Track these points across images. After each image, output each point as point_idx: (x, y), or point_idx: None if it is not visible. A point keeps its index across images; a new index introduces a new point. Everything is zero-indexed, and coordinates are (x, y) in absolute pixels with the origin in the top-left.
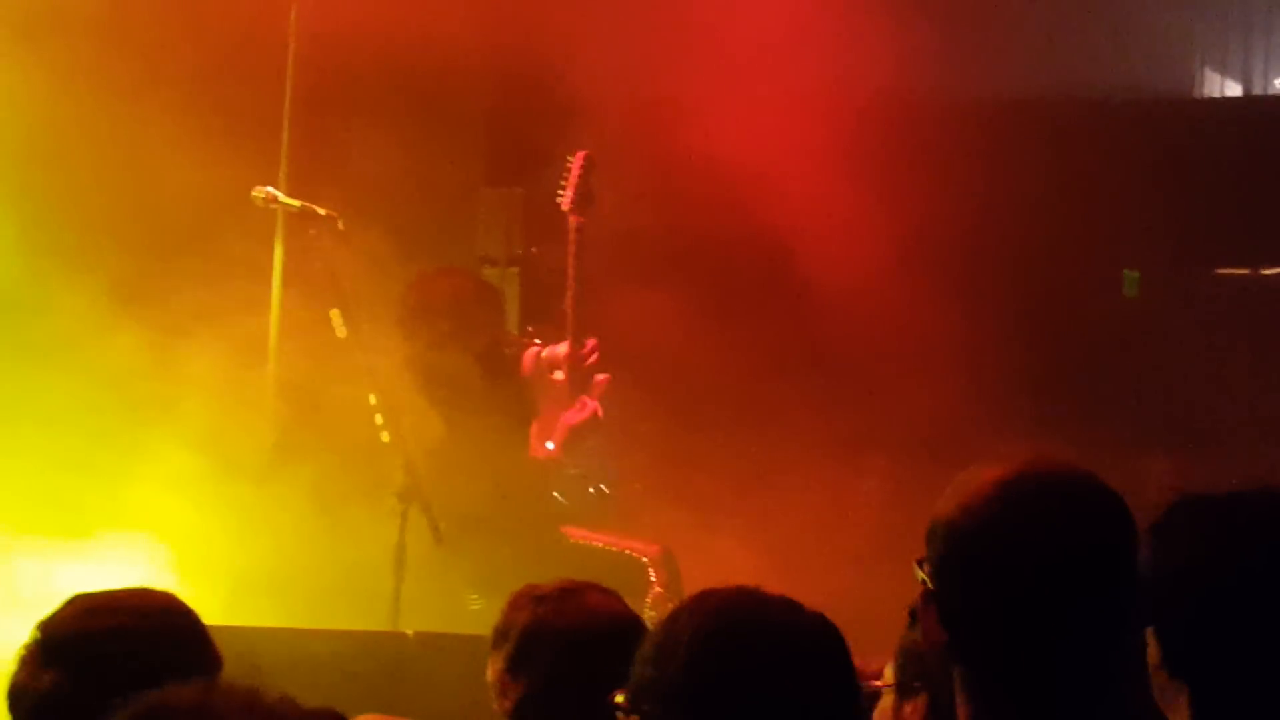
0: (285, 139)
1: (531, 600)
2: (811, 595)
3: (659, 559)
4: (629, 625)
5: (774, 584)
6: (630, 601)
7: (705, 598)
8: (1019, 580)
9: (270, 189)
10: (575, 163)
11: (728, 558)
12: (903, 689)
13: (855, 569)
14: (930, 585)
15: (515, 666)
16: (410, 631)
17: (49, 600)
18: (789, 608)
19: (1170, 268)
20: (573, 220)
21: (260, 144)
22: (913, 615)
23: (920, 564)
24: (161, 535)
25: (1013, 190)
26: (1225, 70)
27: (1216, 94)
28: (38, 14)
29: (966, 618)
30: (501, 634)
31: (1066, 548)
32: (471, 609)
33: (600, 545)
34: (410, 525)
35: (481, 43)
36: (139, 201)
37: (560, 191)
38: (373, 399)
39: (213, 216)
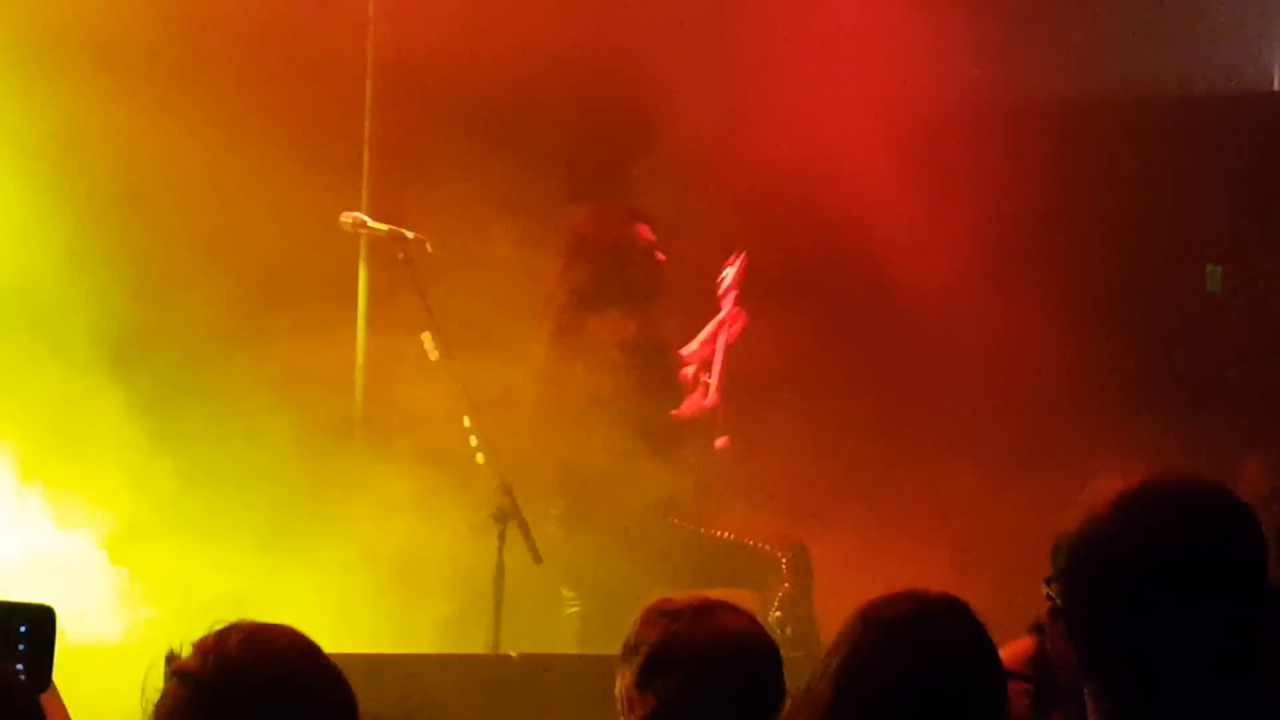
0: (366, 162)
1: (664, 616)
2: None
3: (792, 555)
4: (761, 647)
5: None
6: (760, 596)
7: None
8: (1147, 592)
9: (358, 214)
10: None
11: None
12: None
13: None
14: (1058, 601)
15: (644, 682)
16: (514, 653)
17: None
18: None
19: (1253, 262)
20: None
21: (342, 169)
22: (1036, 630)
23: (1048, 582)
24: (253, 561)
25: (1092, 189)
26: None
27: None
28: (117, 47)
29: (1095, 632)
30: (632, 648)
31: (1195, 558)
32: (568, 611)
33: (729, 538)
34: (509, 545)
35: (561, 58)
36: (226, 233)
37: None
38: (467, 421)
39: (299, 244)
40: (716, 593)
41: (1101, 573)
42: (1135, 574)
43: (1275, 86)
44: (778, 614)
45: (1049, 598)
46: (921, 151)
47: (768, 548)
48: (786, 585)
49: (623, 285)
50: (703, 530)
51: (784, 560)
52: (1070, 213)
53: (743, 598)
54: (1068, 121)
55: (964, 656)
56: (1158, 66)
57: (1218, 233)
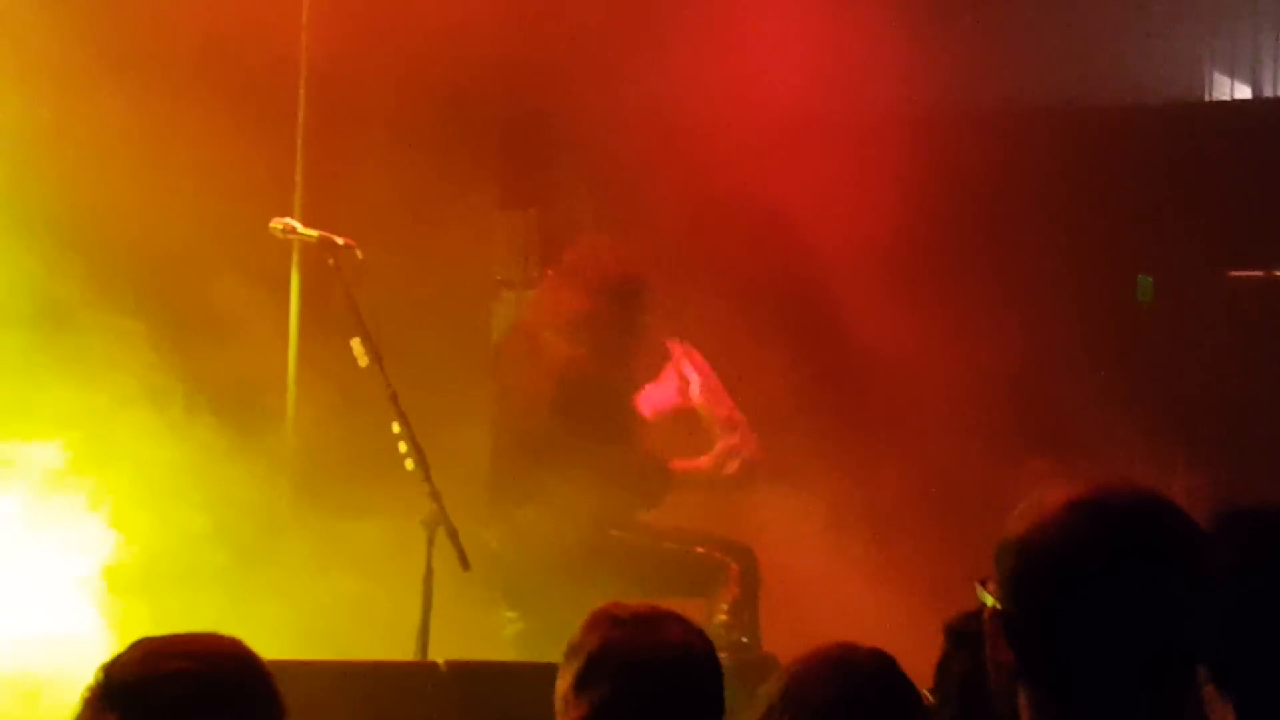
0: (299, 168)
1: (608, 621)
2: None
3: (741, 562)
4: (701, 660)
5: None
6: (706, 603)
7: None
8: (1092, 601)
9: (288, 220)
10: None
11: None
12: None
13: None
14: (998, 605)
15: (581, 685)
16: (441, 661)
17: None
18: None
19: (1183, 272)
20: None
21: (273, 174)
22: (951, 635)
23: (984, 583)
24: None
25: (1024, 197)
26: (1235, 73)
27: (1226, 97)
28: (46, 51)
29: (1036, 638)
30: (574, 650)
31: (1142, 570)
32: (510, 631)
33: (675, 548)
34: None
35: (493, 66)
36: (153, 234)
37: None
38: (396, 427)
39: (227, 249)
40: (665, 603)
41: (1048, 580)
42: (1082, 583)
43: (1205, 96)
44: (724, 619)
45: (987, 601)
46: (853, 165)
47: (717, 555)
48: (736, 591)
49: (620, 324)
50: (647, 541)
51: (734, 567)
52: (1001, 221)
53: (690, 608)
54: (999, 131)
55: None
56: (1090, 76)
57: (1149, 242)
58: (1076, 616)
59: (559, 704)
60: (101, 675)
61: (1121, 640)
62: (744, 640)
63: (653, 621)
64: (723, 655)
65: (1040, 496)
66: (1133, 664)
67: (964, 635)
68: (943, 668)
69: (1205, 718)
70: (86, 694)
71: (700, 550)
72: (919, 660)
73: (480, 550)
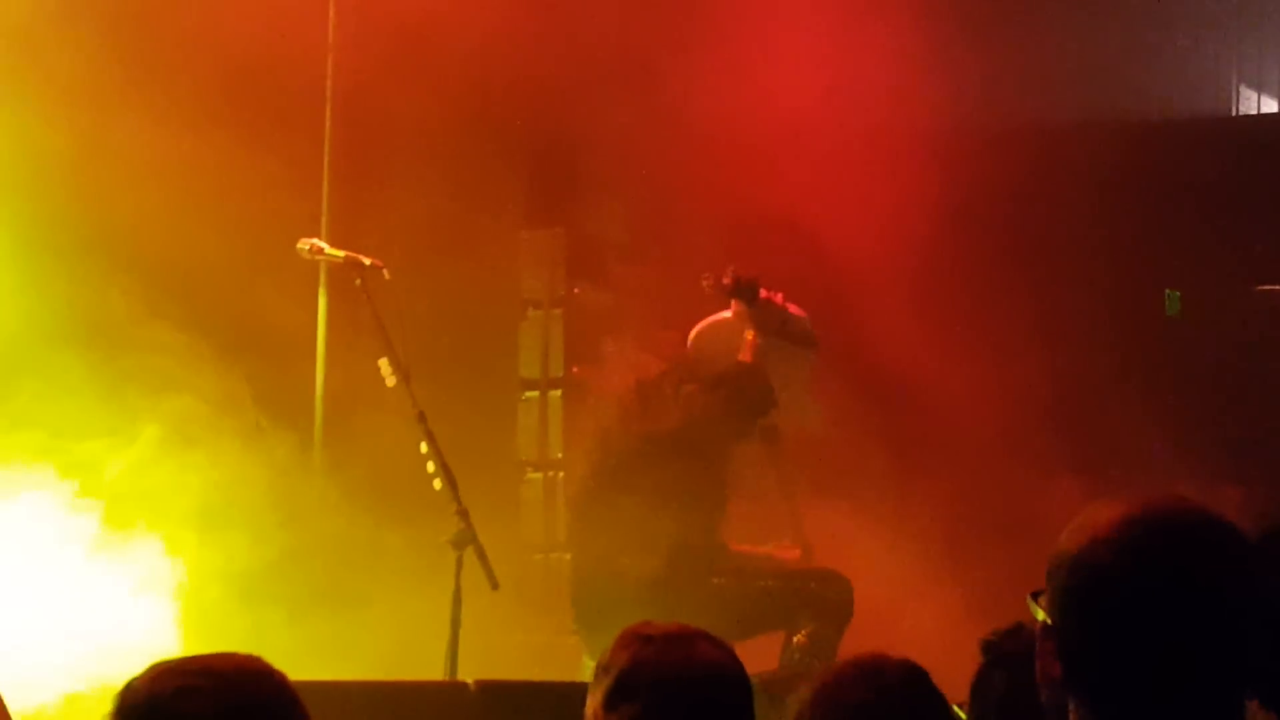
0: (325, 190)
1: (638, 640)
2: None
3: (837, 592)
4: (731, 678)
5: None
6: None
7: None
8: (1145, 620)
9: (316, 241)
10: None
11: None
12: None
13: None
14: (1049, 619)
15: (610, 704)
16: (471, 680)
17: None
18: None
19: (1211, 286)
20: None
21: (301, 196)
22: (988, 651)
23: (1035, 597)
24: (210, 587)
25: (1052, 213)
26: (1262, 87)
27: (1253, 111)
28: (80, 77)
29: (1087, 653)
30: (604, 668)
31: (1196, 590)
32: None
33: (774, 585)
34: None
35: (518, 86)
36: (183, 257)
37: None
38: (423, 447)
39: (256, 270)
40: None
41: (1101, 597)
42: (1135, 601)
43: (1232, 111)
44: (803, 640)
45: (1038, 615)
46: (885, 177)
47: (813, 586)
48: (826, 620)
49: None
50: (746, 583)
51: (831, 600)
52: (1032, 236)
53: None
54: (1027, 147)
55: None
56: (1117, 92)
57: (1176, 256)
58: (1130, 631)
59: None
60: (118, 700)
61: (1174, 655)
62: (817, 664)
63: (683, 640)
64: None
65: (1094, 511)
66: (1184, 679)
67: (1001, 652)
68: (979, 684)
69: None
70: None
71: (798, 586)
72: (957, 676)
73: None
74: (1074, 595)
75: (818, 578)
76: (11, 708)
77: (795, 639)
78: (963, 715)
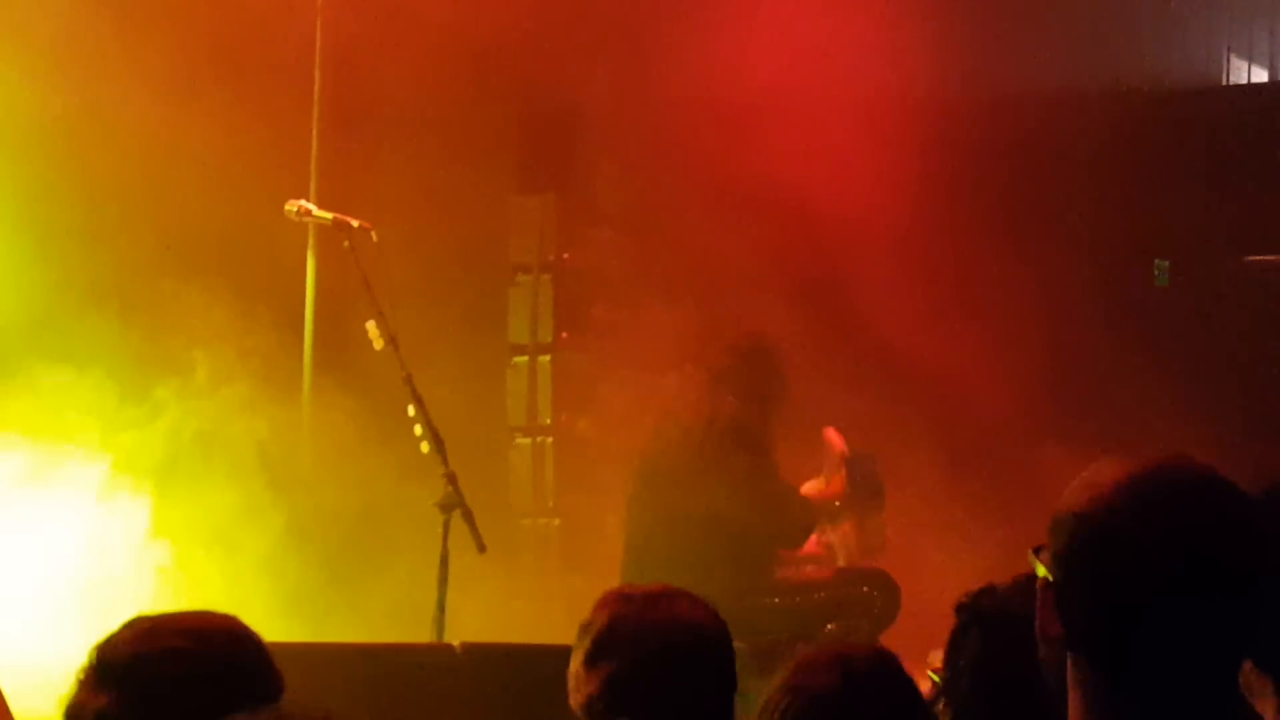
0: (314, 152)
1: (619, 599)
2: None
3: (884, 595)
4: (711, 635)
5: None
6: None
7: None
8: (1149, 578)
9: (304, 202)
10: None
11: None
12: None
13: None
14: (1050, 576)
15: (591, 661)
16: (457, 643)
17: None
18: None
19: (1200, 256)
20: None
21: (290, 158)
22: (960, 610)
23: (1037, 552)
24: (199, 547)
25: (1041, 182)
26: (1253, 57)
27: (1244, 81)
28: (67, 38)
29: (1088, 610)
30: (585, 628)
31: (1200, 549)
32: None
33: (825, 597)
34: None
35: (510, 52)
36: (171, 218)
37: None
38: (411, 410)
39: (244, 232)
40: None
41: (1104, 554)
42: (1139, 559)
43: (1222, 81)
44: (834, 629)
45: (1039, 572)
46: (875, 147)
47: (864, 589)
48: (868, 619)
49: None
50: (798, 600)
51: (878, 599)
52: (1021, 205)
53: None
54: (1017, 116)
55: None
56: (1108, 61)
57: (1165, 226)
58: (1131, 589)
59: (571, 682)
60: (95, 656)
61: (1174, 614)
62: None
63: (662, 599)
64: None
65: (1098, 469)
66: (1185, 638)
67: (975, 612)
68: (953, 645)
69: (1242, 694)
70: (80, 675)
71: (850, 591)
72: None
73: None
74: (1076, 552)
75: (872, 581)
76: (11, 708)
77: (828, 625)
78: (935, 678)
